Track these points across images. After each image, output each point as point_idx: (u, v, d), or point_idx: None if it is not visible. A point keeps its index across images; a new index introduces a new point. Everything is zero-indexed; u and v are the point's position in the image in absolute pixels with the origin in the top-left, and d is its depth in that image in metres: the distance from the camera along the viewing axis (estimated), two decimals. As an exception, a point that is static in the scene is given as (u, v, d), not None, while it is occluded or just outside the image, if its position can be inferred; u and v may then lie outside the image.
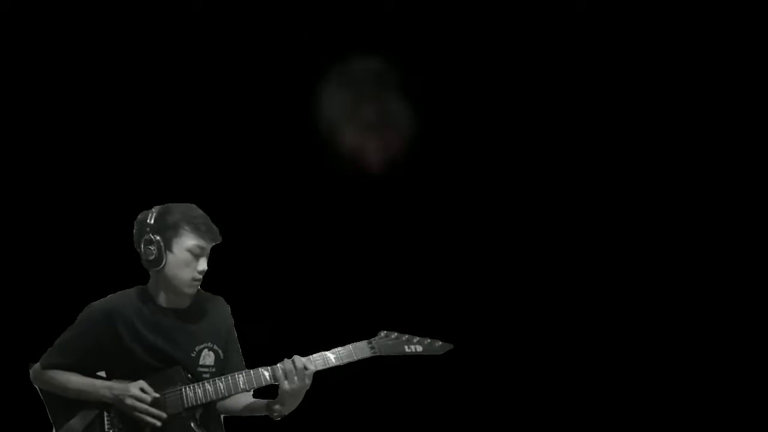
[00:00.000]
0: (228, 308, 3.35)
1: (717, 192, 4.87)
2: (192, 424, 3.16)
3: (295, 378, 3.11)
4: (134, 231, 3.24)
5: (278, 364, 3.15)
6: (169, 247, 3.16)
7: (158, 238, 3.16)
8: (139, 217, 3.24)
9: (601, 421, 4.82)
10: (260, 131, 4.95)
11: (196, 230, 3.16)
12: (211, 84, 4.94)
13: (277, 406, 3.18)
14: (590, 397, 4.82)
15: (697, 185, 4.89)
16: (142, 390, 3.14)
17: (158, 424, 3.13)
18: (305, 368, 3.12)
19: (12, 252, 4.81)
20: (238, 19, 4.92)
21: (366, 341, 3.21)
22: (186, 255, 3.16)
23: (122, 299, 3.21)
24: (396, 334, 3.23)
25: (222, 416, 3.33)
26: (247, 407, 3.28)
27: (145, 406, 3.13)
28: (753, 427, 4.71)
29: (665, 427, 4.79)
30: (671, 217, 4.90)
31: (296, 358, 3.13)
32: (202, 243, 3.17)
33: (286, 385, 3.12)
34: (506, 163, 5.00)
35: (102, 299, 3.22)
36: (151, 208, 3.24)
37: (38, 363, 3.24)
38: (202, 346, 3.22)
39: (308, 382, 3.13)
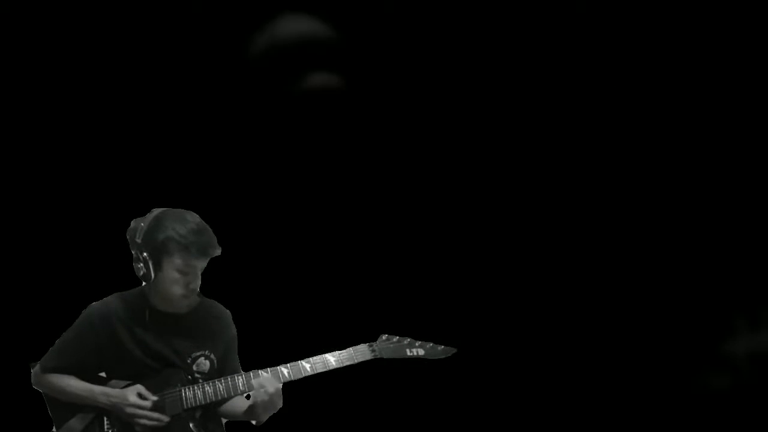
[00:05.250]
0: (231, 320, 3.31)
1: (717, 192, 4.87)
2: (191, 425, 3.15)
3: (265, 396, 3.09)
4: (127, 238, 3.18)
5: (252, 380, 3.12)
6: (157, 265, 3.08)
7: (146, 255, 3.07)
8: (130, 225, 3.15)
9: (601, 421, 4.82)
10: (258, 132, 4.95)
11: (185, 250, 3.04)
12: (210, 83, 4.93)
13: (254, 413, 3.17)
14: (590, 400, 4.82)
15: (697, 185, 4.89)
16: (140, 395, 3.13)
17: (161, 424, 3.12)
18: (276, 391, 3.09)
19: (12, 253, 4.81)
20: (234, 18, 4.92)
21: (367, 344, 3.20)
22: (175, 274, 3.08)
23: (121, 301, 3.19)
24: (397, 337, 3.22)
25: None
26: (236, 414, 3.26)
27: (146, 412, 3.11)
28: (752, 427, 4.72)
29: (665, 428, 4.79)
30: (671, 217, 4.90)
31: (267, 379, 3.11)
32: (191, 263, 3.07)
33: (265, 397, 3.09)
34: (507, 164, 5.00)
35: (100, 301, 3.21)
36: (148, 210, 3.16)
37: (38, 365, 3.23)
38: (198, 353, 3.20)
39: (278, 401, 3.11)
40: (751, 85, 4.83)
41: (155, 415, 3.11)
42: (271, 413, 3.17)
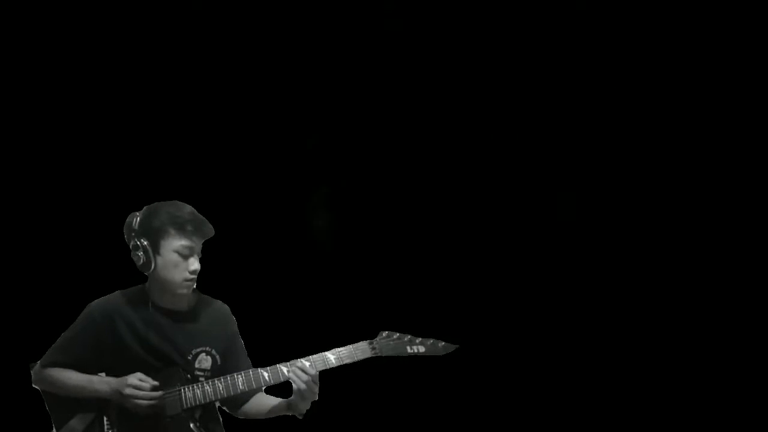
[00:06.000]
0: (231, 315, 3.32)
1: (717, 192, 4.88)
2: (191, 425, 3.14)
3: (304, 382, 3.10)
4: (124, 235, 3.21)
5: (292, 369, 3.12)
6: (156, 250, 3.13)
7: (145, 242, 3.13)
8: (126, 220, 3.20)
9: (601, 421, 4.82)
10: (257, 131, 4.96)
11: (182, 230, 3.11)
12: (210, 82, 4.94)
13: (295, 404, 3.16)
14: (590, 398, 4.83)
15: (697, 186, 4.89)
16: (140, 380, 3.12)
17: (157, 401, 3.11)
18: (306, 373, 3.10)
19: (12, 252, 4.82)
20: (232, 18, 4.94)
21: (367, 342, 3.18)
22: (174, 257, 3.12)
23: (122, 299, 3.20)
24: (398, 334, 3.20)
25: (221, 417, 3.33)
26: (272, 410, 3.26)
27: (144, 392, 3.11)
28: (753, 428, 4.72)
29: (665, 428, 4.79)
30: (671, 218, 4.91)
31: (302, 364, 3.12)
32: (189, 243, 3.13)
33: (303, 386, 3.10)
34: (506, 162, 5.00)
35: (101, 298, 3.22)
36: (141, 208, 3.19)
37: (38, 364, 3.23)
38: (199, 350, 3.20)
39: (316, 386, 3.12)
40: (751, 85, 4.84)
41: (153, 393, 3.11)
42: (309, 402, 3.15)
